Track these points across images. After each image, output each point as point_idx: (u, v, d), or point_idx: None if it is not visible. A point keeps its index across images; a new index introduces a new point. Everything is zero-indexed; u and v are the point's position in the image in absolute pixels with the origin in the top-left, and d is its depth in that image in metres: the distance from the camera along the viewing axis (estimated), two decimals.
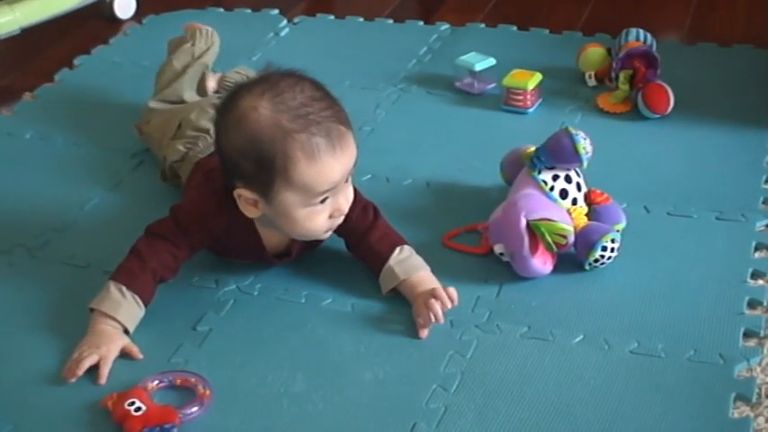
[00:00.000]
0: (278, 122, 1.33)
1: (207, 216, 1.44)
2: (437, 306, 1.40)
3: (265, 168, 1.34)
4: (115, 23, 2.47)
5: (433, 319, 1.40)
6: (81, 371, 1.33)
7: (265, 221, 1.44)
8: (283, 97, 1.35)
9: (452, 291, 1.43)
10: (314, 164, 1.34)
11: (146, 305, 1.42)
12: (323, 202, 1.38)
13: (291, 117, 1.33)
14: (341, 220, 1.43)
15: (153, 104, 1.82)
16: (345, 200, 1.41)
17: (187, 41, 1.90)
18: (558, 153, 1.55)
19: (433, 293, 1.42)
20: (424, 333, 1.41)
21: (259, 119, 1.34)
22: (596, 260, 1.50)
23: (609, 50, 2.09)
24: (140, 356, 1.37)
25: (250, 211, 1.42)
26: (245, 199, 1.40)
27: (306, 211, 1.38)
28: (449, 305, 1.41)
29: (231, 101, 1.37)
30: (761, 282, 1.50)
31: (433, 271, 1.49)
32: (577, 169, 1.59)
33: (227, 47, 2.21)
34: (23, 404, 1.32)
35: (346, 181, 1.40)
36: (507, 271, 1.51)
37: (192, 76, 1.86)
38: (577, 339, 1.39)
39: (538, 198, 1.52)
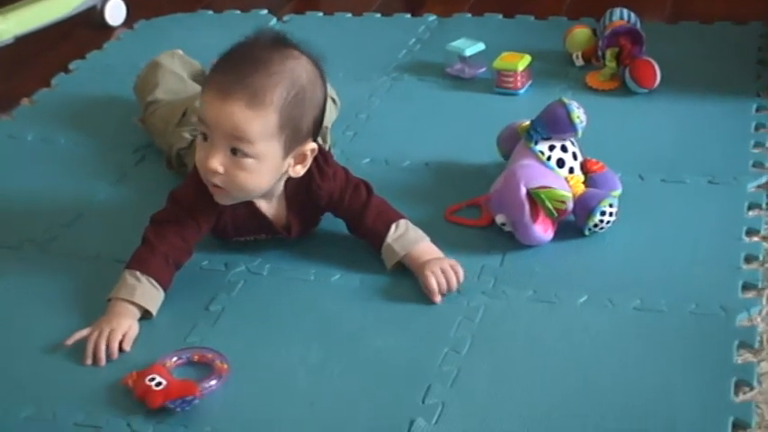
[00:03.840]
0: (232, 47, 1.45)
1: (206, 189, 1.47)
2: (443, 279, 1.44)
3: None
4: (107, 30, 2.50)
5: (444, 287, 1.44)
6: (114, 353, 1.37)
7: None
8: (256, 43, 1.43)
9: (456, 266, 1.47)
10: (206, 85, 1.44)
11: (164, 288, 1.46)
12: (203, 137, 1.42)
13: (236, 53, 1.43)
14: (212, 180, 1.43)
15: (158, 95, 1.86)
16: (219, 162, 1.40)
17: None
18: (553, 123, 1.59)
19: (440, 265, 1.46)
20: (438, 298, 1.45)
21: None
22: (596, 225, 1.54)
23: (594, 31, 2.14)
24: (128, 348, 1.39)
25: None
26: None
27: (199, 139, 1.44)
28: (454, 283, 1.45)
29: None
30: (755, 238, 1.54)
31: (437, 244, 1.53)
32: (572, 139, 1.63)
33: (220, 48, 2.25)
34: (45, 387, 1.34)
35: (236, 154, 1.40)
36: (510, 240, 1.55)
37: (183, 65, 1.94)
38: (582, 300, 1.43)
39: (536, 167, 1.56)
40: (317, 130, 1.48)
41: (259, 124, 1.39)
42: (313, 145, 1.47)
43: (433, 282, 1.44)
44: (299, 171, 1.48)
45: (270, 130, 1.40)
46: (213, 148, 1.41)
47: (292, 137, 1.43)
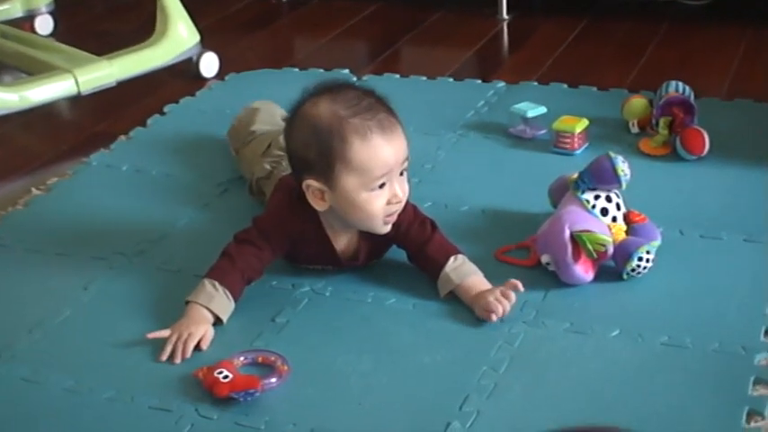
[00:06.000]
0: (334, 112, 1.56)
1: (285, 222, 1.65)
2: (500, 306, 1.58)
3: (326, 154, 1.56)
4: (200, 80, 2.72)
5: (500, 312, 1.58)
6: (188, 353, 1.54)
7: (334, 224, 1.65)
8: (339, 94, 1.59)
9: (507, 292, 1.60)
10: (367, 144, 1.55)
11: (235, 300, 1.62)
12: (381, 187, 1.58)
13: (346, 107, 1.57)
14: (397, 208, 1.61)
15: (254, 128, 2.05)
16: (401, 189, 1.60)
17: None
18: (599, 174, 1.73)
19: (501, 291, 1.60)
20: (494, 318, 1.58)
21: (318, 112, 1.58)
22: (633, 269, 1.66)
23: (650, 101, 2.28)
24: (205, 348, 1.55)
25: (318, 204, 1.61)
26: (313, 190, 1.60)
27: (365, 195, 1.58)
28: (508, 307, 1.59)
29: (295, 106, 1.62)
30: None
31: (488, 279, 1.67)
32: (617, 191, 1.76)
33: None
34: (125, 375, 1.52)
35: (401, 174, 1.60)
36: (553, 279, 1.69)
37: (276, 109, 2.13)
38: (614, 333, 1.56)
39: (581, 213, 1.70)
40: None
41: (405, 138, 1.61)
42: None
43: (497, 306, 1.58)
44: None
45: None
46: (392, 184, 1.58)
47: None
